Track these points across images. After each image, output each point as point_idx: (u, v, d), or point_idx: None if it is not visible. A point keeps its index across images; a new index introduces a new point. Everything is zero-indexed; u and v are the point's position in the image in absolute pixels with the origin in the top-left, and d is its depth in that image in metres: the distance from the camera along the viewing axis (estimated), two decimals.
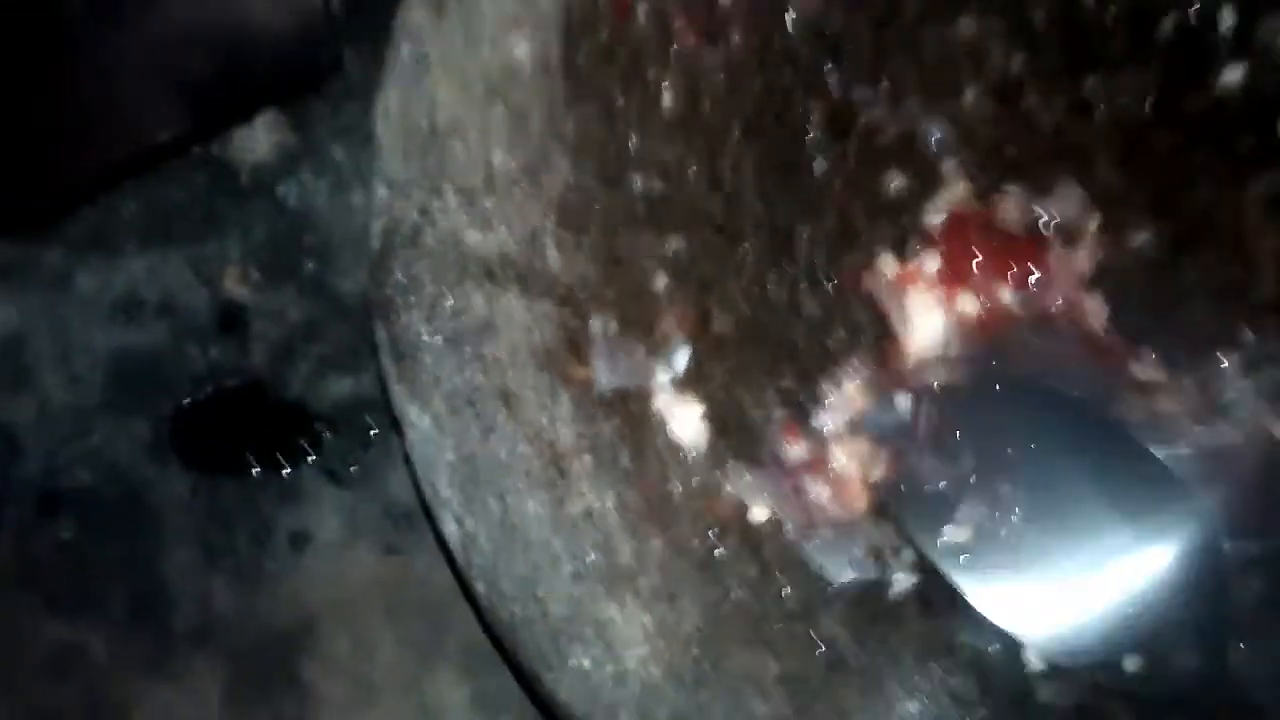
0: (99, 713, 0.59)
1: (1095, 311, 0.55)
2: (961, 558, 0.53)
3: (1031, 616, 0.52)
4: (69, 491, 0.63)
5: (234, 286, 0.66)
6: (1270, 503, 0.52)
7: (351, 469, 0.63)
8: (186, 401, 0.64)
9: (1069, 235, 0.56)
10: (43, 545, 0.62)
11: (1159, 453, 0.53)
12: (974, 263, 0.56)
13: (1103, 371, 0.54)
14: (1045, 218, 0.56)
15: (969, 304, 0.55)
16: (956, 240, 0.56)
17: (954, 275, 0.56)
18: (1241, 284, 0.56)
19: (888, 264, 0.56)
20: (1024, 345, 0.55)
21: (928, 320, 0.55)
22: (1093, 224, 0.57)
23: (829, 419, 0.54)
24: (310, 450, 0.63)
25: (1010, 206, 0.57)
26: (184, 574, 0.61)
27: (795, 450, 0.54)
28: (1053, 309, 0.55)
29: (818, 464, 0.54)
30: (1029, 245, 0.56)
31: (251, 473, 0.63)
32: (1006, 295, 0.56)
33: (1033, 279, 0.55)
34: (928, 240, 0.57)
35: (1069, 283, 0.56)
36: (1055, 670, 0.51)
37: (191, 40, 0.65)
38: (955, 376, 0.54)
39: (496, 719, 0.59)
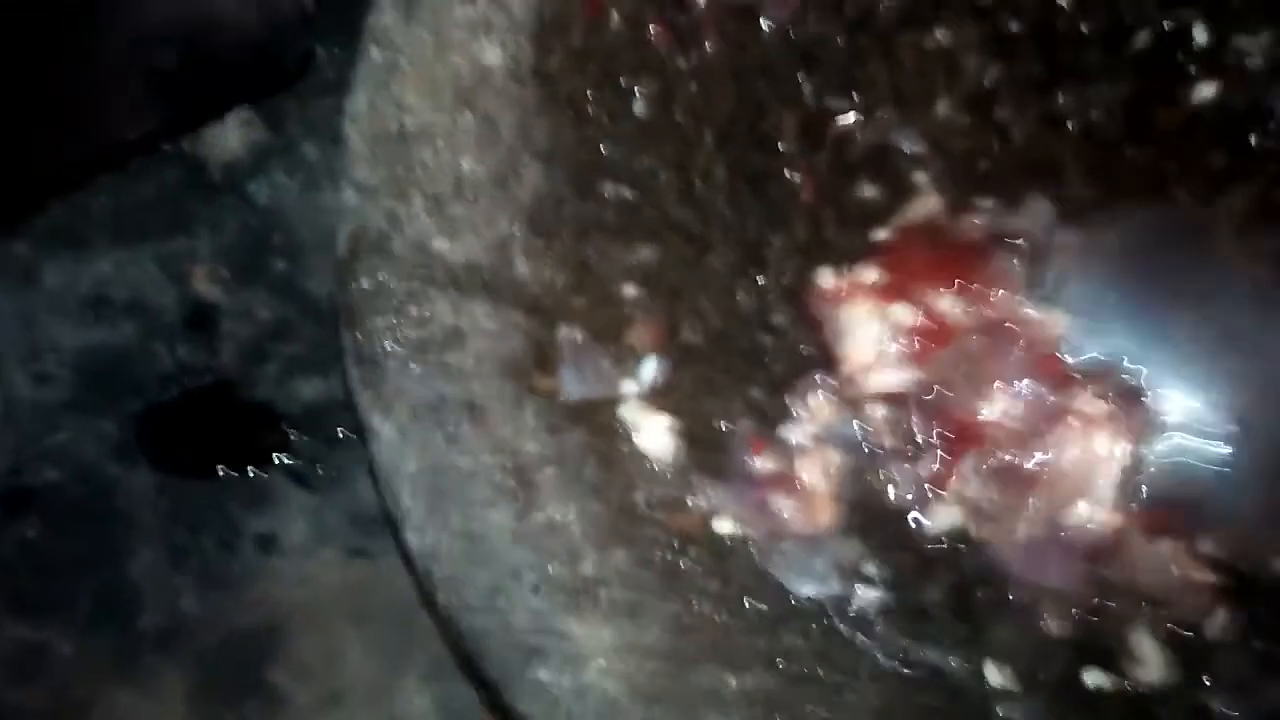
0: (62, 714, 0.60)
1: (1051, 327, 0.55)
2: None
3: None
4: (35, 490, 0.63)
5: (203, 285, 0.66)
6: None
7: (319, 471, 0.63)
8: (154, 400, 0.64)
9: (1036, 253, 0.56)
10: (7, 544, 0.62)
11: None
12: (917, 273, 0.55)
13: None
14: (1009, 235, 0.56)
15: (905, 314, 0.55)
16: (903, 252, 0.56)
17: (895, 285, 0.56)
18: None
19: (825, 277, 0.56)
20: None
21: (863, 332, 0.55)
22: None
23: (796, 432, 0.54)
24: (278, 452, 0.63)
25: (976, 222, 0.57)
26: (150, 575, 0.61)
27: (762, 463, 0.54)
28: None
29: (784, 477, 0.54)
30: (980, 257, 0.56)
31: (219, 474, 0.63)
32: (947, 304, 0.55)
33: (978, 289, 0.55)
34: (871, 252, 0.57)
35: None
36: (1015, 687, 0.51)
37: (162, 37, 0.65)
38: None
39: None
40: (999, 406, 0.54)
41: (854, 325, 0.55)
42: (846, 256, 0.56)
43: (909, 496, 0.54)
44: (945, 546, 0.53)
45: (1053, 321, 0.55)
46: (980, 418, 0.54)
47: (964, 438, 0.54)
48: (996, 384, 0.54)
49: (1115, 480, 0.53)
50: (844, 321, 0.55)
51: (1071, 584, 0.52)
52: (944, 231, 0.57)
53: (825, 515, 0.53)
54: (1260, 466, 0.53)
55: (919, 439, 0.54)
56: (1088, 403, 0.54)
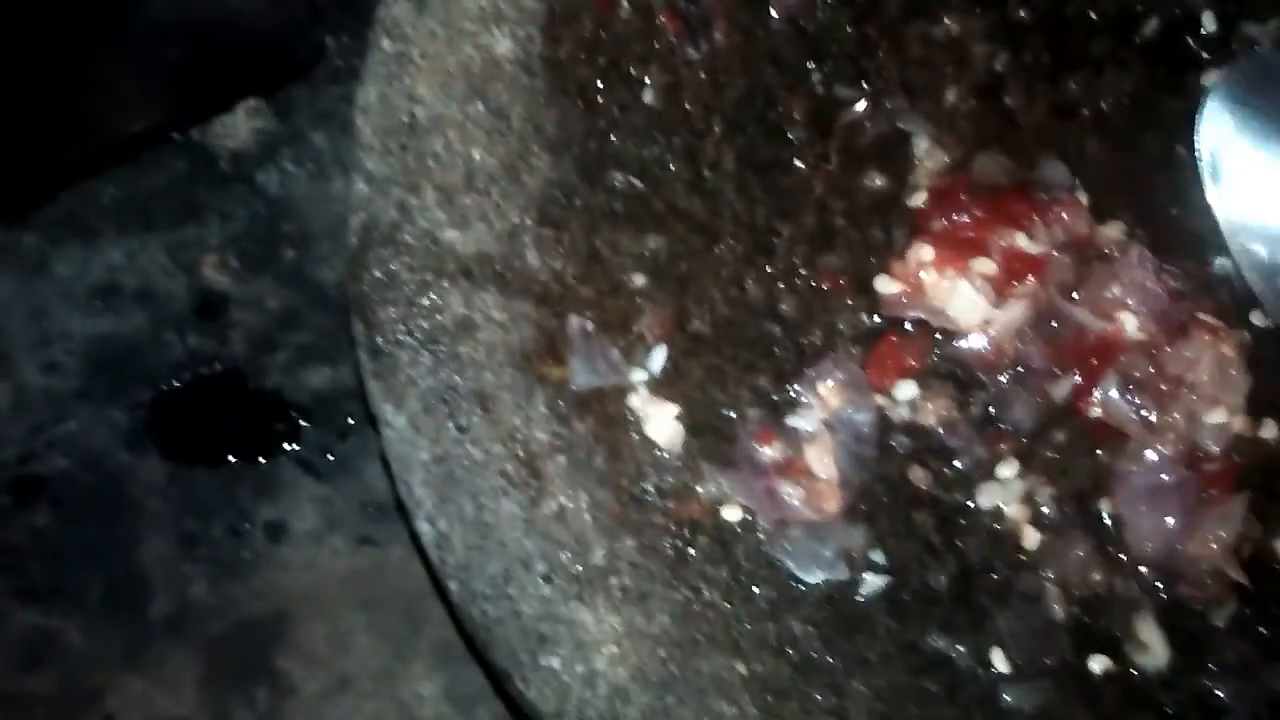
0: (73, 701, 0.60)
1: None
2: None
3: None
4: (44, 478, 0.63)
5: (213, 274, 0.66)
6: None
7: (329, 459, 0.63)
8: (163, 389, 0.64)
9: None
10: (18, 532, 0.62)
11: None
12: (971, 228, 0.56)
13: None
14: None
15: (984, 265, 0.55)
16: (945, 211, 0.56)
17: (955, 244, 0.56)
18: None
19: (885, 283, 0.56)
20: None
21: (958, 299, 0.55)
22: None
23: (804, 420, 0.54)
24: (287, 440, 0.64)
25: (989, 165, 0.58)
26: (159, 563, 0.62)
27: (769, 451, 0.54)
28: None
29: (791, 465, 0.54)
30: (1020, 195, 0.56)
31: (228, 462, 0.63)
32: (1019, 240, 0.56)
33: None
34: (917, 227, 0.57)
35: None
36: (1020, 673, 0.52)
37: (172, 27, 0.65)
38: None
39: (469, 712, 0.60)
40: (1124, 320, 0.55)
41: (945, 296, 0.55)
42: (894, 249, 0.57)
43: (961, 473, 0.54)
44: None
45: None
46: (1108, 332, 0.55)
47: (1098, 354, 0.55)
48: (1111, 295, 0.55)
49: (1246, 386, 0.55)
50: (933, 297, 0.55)
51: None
52: (973, 181, 0.57)
53: (833, 502, 0.53)
54: None
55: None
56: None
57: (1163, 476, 0.54)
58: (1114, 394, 0.54)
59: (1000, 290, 0.55)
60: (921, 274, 0.55)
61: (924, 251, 0.55)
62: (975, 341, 0.55)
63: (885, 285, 0.56)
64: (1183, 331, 0.55)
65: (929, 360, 0.56)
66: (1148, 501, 0.53)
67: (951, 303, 0.55)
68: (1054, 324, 0.55)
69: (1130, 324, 0.55)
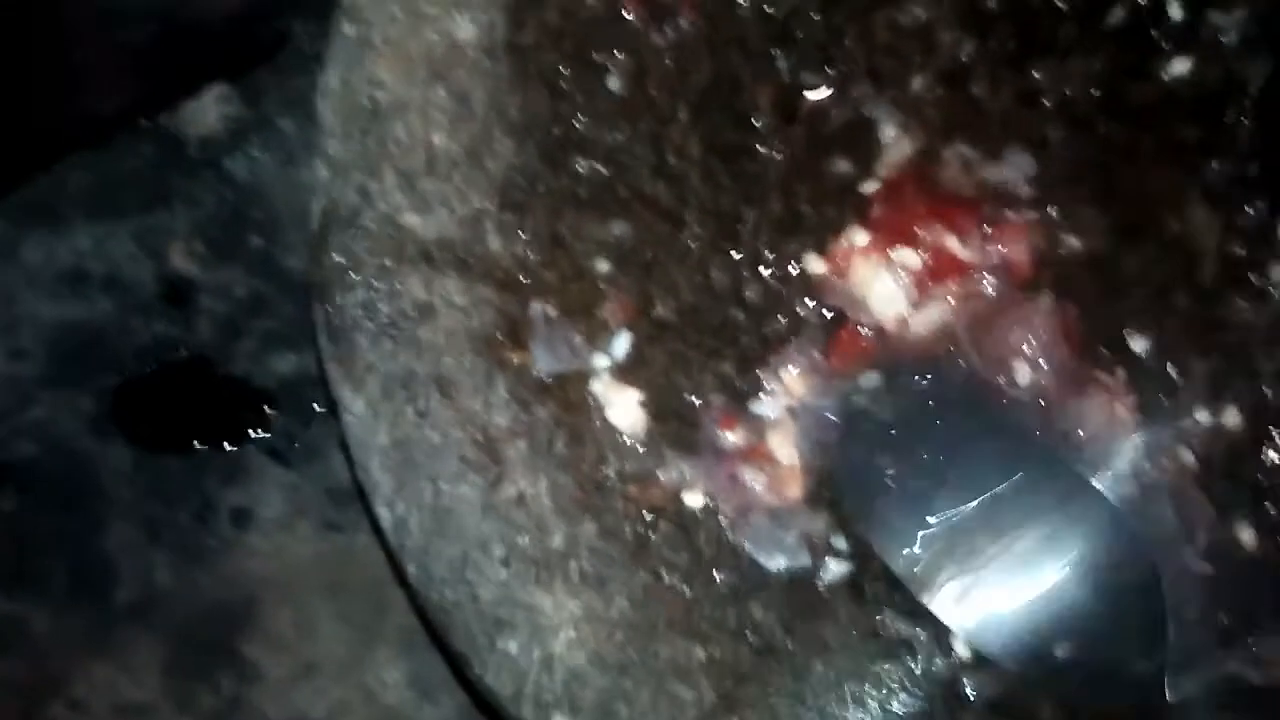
0: (38, 687, 0.60)
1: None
2: (904, 550, 0.53)
3: (966, 607, 0.53)
4: (10, 464, 0.63)
5: (180, 260, 0.66)
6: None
7: (295, 446, 0.63)
8: (130, 375, 0.64)
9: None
10: None
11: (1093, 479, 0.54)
12: (912, 220, 0.56)
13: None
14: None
15: (909, 258, 0.55)
16: (893, 202, 0.56)
17: (890, 234, 0.56)
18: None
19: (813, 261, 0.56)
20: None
21: (878, 286, 0.55)
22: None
23: (767, 406, 0.54)
24: (254, 427, 0.63)
25: (954, 168, 0.58)
26: (125, 549, 0.62)
27: (732, 437, 0.54)
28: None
29: (754, 451, 0.54)
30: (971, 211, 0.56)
31: (194, 448, 0.63)
32: (952, 243, 0.56)
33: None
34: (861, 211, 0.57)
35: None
36: (981, 660, 0.52)
37: (138, 11, 0.64)
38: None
39: (434, 698, 0.60)
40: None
41: (868, 283, 0.55)
42: (831, 227, 0.57)
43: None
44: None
45: None
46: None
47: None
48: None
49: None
50: (856, 283, 0.55)
51: None
52: (928, 179, 0.57)
53: (795, 488, 0.53)
54: None
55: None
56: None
57: None
58: None
59: (920, 288, 0.55)
60: (853, 259, 0.55)
61: (858, 235, 0.55)
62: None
63: (814, 264, 0.56)
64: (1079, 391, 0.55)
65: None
66: None
67: (873, 292, 0.55)
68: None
69: (1022, 373, 0.55)
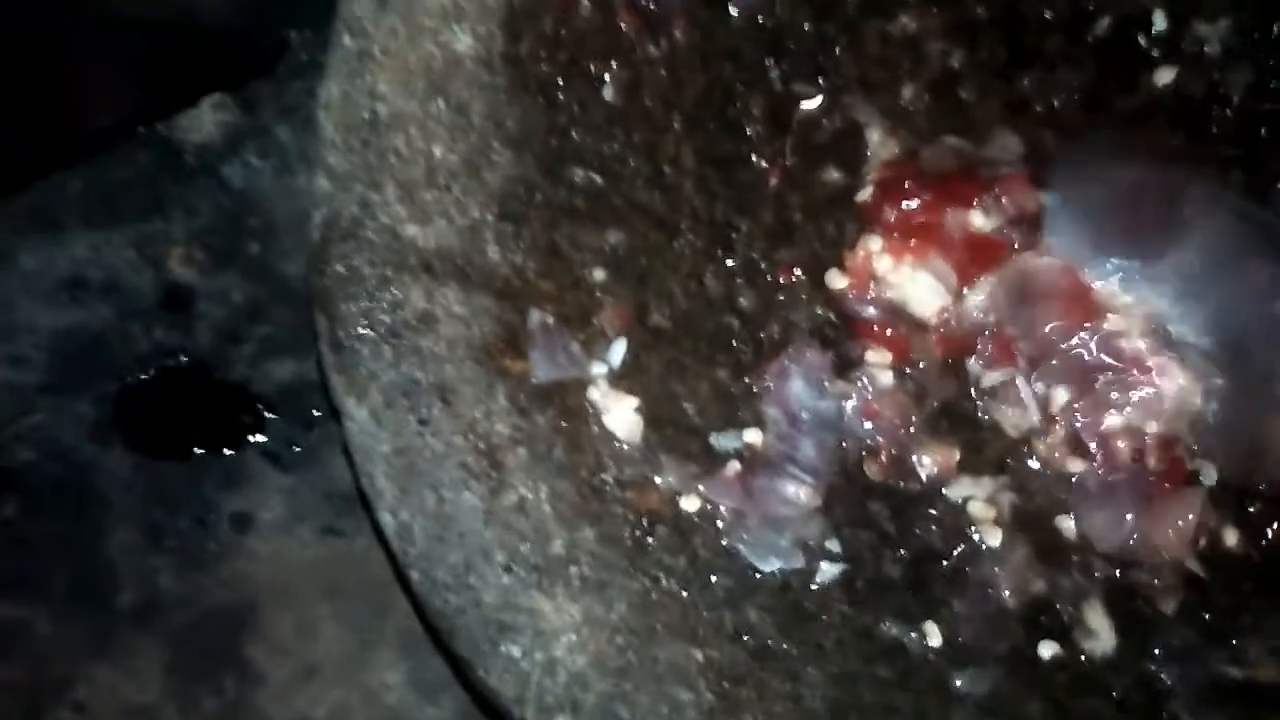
0: (41, 690, 0.60)
1: None
2: None
3: None
4: (11, 470, 0.63)
5: (178, 267, 0.66)
6: None
7: (294, 450, 0.64)
8: (130, 381, 0.65)
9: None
10: None
11: None
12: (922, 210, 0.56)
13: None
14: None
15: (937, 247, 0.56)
16: (893, 200, 0.57)
17: (904, 231, 0.57)
18: None
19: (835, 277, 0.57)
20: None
21: (918, 289, 0.56)
22: None
23: (763, 411, 0.55)
24: (253, 432, 0.64)
25: (937, 152, 0.58)
26: (127, 554, 0.62)
27: (729, 442, 0.55)
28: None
29: (751, 455, 0.55)
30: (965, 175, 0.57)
31: (194, 454, 0.64)
32: (969, 216, 0.57)
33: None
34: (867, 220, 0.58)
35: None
36: (970, 659, 0.53)
37: (137, 21, 0.65)
38: None
39: (434, 699, 0.60)
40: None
41: (904, 287, 0.56)
42: (844, 241, 0.58)
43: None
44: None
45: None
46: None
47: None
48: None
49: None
50: (889, 290, 0.56)
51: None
52: (918, 170, 0.58)
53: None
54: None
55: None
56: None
57: (1113, 474, 0.55)
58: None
59: (963, 277, 0.56)
60: (875, 266, 0.56)
61: (872, 242, 0.56)
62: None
63: (836, 280, 0.57)
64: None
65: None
66: (1101, 498, 0.55)
67: (911, 294, 0.56)
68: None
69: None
